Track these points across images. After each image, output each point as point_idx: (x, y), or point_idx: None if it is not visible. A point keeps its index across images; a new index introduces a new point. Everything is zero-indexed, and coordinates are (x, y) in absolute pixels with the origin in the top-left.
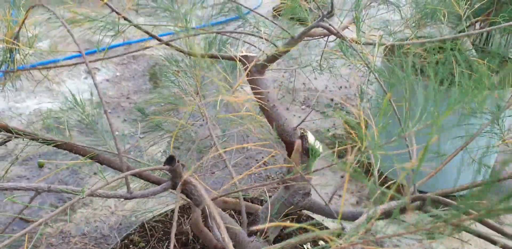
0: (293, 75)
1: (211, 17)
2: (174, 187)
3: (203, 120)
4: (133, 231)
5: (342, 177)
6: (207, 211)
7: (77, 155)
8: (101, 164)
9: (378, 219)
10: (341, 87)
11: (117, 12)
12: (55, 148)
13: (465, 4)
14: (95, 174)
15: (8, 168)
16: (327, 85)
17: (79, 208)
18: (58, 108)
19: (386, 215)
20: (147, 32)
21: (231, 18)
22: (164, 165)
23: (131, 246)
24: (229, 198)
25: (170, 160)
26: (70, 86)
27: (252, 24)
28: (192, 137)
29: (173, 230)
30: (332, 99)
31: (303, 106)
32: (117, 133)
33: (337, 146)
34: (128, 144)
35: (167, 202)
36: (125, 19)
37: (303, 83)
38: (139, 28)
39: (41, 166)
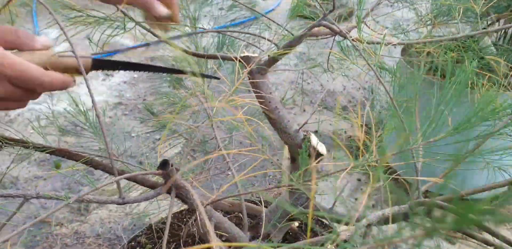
0: (310, 76)
1: (229, 19)
2: (169, 192)
3: (209, 121)
4: (140, 233)
5: (359, 180)
6: (199, 216)
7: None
8: (96, 168)
9: (380, 224)
10: (359, 88)
11: (122, 11)
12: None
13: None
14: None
15: (5, 173)
16: (345, 86)
17: (94, 209)
18: (71, 110)
19: (393, 219)
20: (147, 30)
21: (246, 19)
22: (158, 169)
23: (138, 248)
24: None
25: (164, 164)
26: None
27: (265, 24)
28: (198, 138)
29: (165, 237)
30: (350, 101)
31: (320, 108)
32: (133, 134)
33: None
34: (144, 145)
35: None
36: (130, 18)
37: (321, 85)
38: (140, 25)
39: (57, 166)
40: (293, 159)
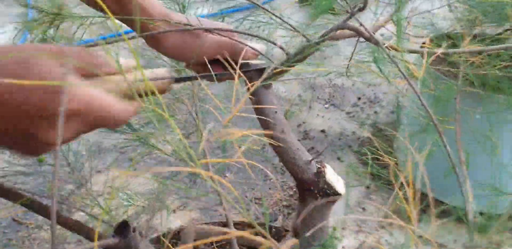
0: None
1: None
2: None
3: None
4: None
5: (367, 187)
6: None
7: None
8: (37, 213)
9: None
10: (369, 85)
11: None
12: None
13: None
14: (98, 171)
15: None
16: (354, 82)
17: (77, 211)
18: None
19: None
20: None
21: (243, 7)
22: (114, 234)
23: None
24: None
25: (123, 227)
26: None
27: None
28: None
29: None
30: (359, 98)
31: (327, 105)
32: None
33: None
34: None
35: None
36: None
37: (329, 79)
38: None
39: (41, 161)
40: (303, 198)
